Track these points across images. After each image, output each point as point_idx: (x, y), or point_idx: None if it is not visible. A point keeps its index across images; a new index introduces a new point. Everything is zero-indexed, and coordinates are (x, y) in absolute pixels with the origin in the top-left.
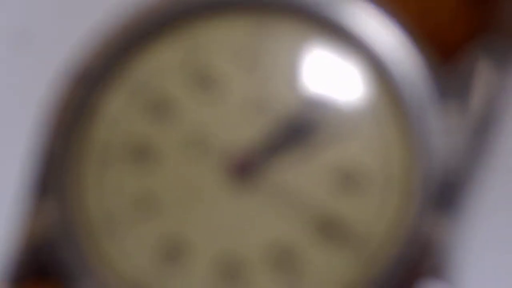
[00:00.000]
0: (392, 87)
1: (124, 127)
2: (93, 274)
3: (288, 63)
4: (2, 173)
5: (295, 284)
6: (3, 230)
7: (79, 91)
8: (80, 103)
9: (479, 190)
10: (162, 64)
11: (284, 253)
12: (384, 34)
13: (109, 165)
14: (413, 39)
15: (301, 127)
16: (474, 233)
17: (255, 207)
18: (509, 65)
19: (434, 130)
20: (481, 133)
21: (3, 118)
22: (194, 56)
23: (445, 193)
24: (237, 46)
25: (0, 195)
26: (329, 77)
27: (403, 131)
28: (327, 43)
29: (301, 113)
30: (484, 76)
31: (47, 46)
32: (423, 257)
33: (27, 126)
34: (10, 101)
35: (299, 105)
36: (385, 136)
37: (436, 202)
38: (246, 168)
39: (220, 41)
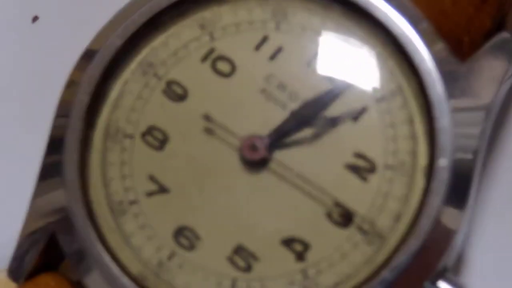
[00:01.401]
0: (416, 79)
1: (132, 109)
2: (97, 263)
3: (307, 49)
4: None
5: (307, 276)
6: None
7: (84, 73)
8: (87, 84)
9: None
10: (176, 47)
11: (296, 242)
12: (409, 27)
13: (115, 147)
14: (436, 36)
15: (316, 112)
16: (481, 228)
17: (268, 192)
18: None
19: (451, 124)
20: (491, 131)
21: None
22: (210, 41)
23: (460, 186)
24: (254, 31)
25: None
26: (352, 64)
27: (424, 124)
28: (350, 29)
29: (318, 99)
30: (498, 75)
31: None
32: (439, 253)
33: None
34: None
35: (316, 91)
36: (406, 127)
37: (452, 194)
38: (259, 151)
39: (237, 26)
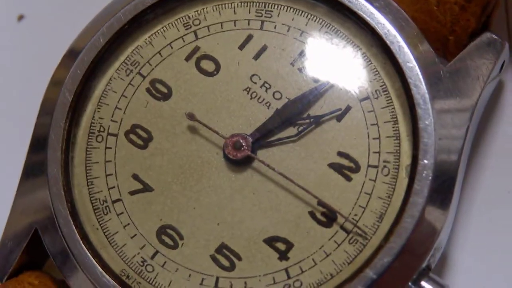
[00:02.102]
0: (400, 79)
1: (115, 107)
2: (80, 262)
3: (292, 48)
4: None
5: (289, 275)
6: None
7: (67, 72)
8: (71, 82)
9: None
10: (161, 46)
11: (279, 241)
12: (394, 28)
13: (98, 146)
14: (421, 37)
15: (300, 111)
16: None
17: (251, 191)
18: (508, 64)
19: (435, 124)
20: (474, 130)
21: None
22: (194, 40)
23: (444, 187)
24: (238, 30)
25: None
26: (336, 64)
27: (408, 123)
28: (335, 29)
29: (303, 98)
30: (482, 75)
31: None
32: (423, 250)
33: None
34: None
35: (301, 90)
36: (390, 126)
37: (436, 195)
38: (243, 149)
39: (222, 25)
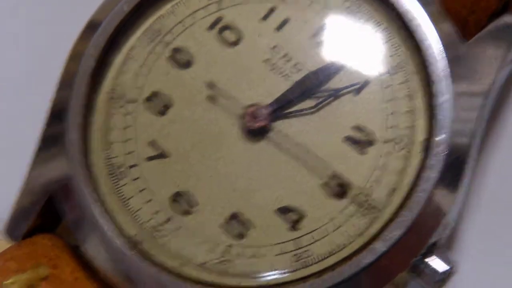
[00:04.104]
0: (419, 55)
1: (137, 74)
2: (94, 225)
3: (313, 21)
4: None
5: (299, 245)
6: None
7: (88, 43)
8: (93, 49)
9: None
10: (184, 15)
11: (291, 211)
12: (417, 5)
13: (118, 111)
14: (443, 15)
15: (319, 84)
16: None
17: (267, 161)
18: None
19: (451, 101)
20: (487, 114)
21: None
22: (217, 10)
23: (454, 169)
24: (262, 2)
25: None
26: (357, 38)
27: (425, 101)
28: (357, 3)
29: (323, 70)
30: (497, 59)
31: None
32: (431, 228)
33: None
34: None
35: (320, 63)
36: (407, 102)
37: (447, 174)
38: (260, 119)
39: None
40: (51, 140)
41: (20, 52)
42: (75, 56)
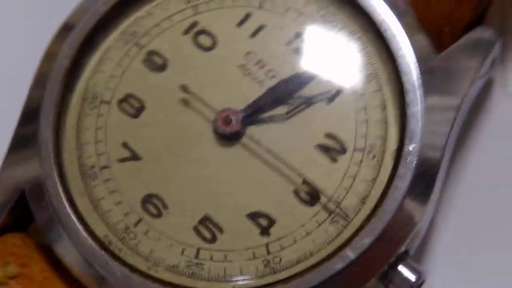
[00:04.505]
0: (392, 65)
1: (111, 76)
2: (65, 226)
3: (288, 29)
4: None
5: (269, 251)
6: None
7: (63, 44)
8: (68, 48)
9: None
10: (161, 18)
11: (262, 217)
12: (391, 15)
13: (91, 112)
14: (417, 26)
15: (292, 91)
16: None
17: (238, 166)
18: (499, 59)
19: (423, 119)
20: (459, 127)
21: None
22: (193, 14)
23: (425, 179)
24: (238, 8)
25: None
26: (330, 47)
27: (396, 110)
28: (332, 12)
29: (296, 78)
30: (470, 73)
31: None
32: (401, 237)
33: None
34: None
35: (293, 71)
36: (379, 111)
37: (419, 181)
38: (233, 124)
39: (221, 1)
40: (24, 140)
41: None
42: (49, 56)
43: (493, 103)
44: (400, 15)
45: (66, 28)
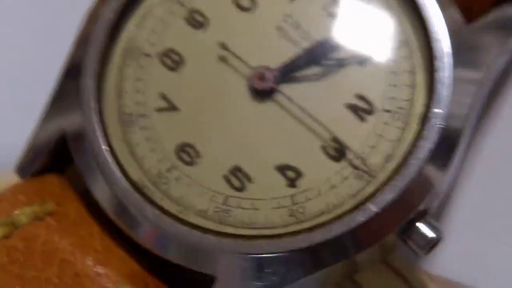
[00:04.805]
0: (424, 34)
1: (153, 31)
2: (102, 168)
3: None
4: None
5: (295, 201)
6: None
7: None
8: (109, 9)
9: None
10: None
11: (290, 169)
12: None
13: (132, 63)
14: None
15: (326, 53)
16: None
17: (270, 121)
18: None
19: (451, 85)
20: (484, 98)
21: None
22: None
23: (447, 144)
24: None
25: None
26: (365, 13)
27: (426, 76)
28: None
29: (330, 40)
30: (494, 49)
31: None
32: (421, 196)
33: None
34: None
35: (328, 33)
36: (408, 76)
37: (440, 147)
38: (267, 81)
39: None
40: (66, 91)
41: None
42: (92, 17)
43: None
44: None
45: None
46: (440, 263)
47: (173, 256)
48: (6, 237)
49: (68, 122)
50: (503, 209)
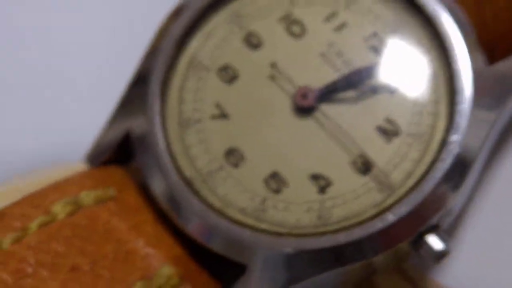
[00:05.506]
0: (450, 69)
1: (214, 48)
2: (160, 166)
3: (367, 28)
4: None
5: (323, 206)
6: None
7: (178, 19)
8: (178, 26)
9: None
10: (263, 4)
11: (321, 178)
12: (454, 25)
13: (193, 75)
14: (476, 40)
15: (363, 79)
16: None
17: (308, 134)
18: None
19: (468, 117)
20: (497, 133)
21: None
22: (290, 5)
23: (461, 168)
24: (327, 6)
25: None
26: (399, 47)
27: (448, 107)
28: (405, 20)
29: (367, 69)
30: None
31: None
32: (434, 211)
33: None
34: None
35: (367, 62)
36: (432, 105)
37: (454, 169)
38: (309, 99)
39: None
40: (134, 97)
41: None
42: (162, 32)
43: None
44: (462, 30)
45: (179, 9)
46: (451, 276)
47: (214, 245)
48: (71, 214)
49: (133, 123)
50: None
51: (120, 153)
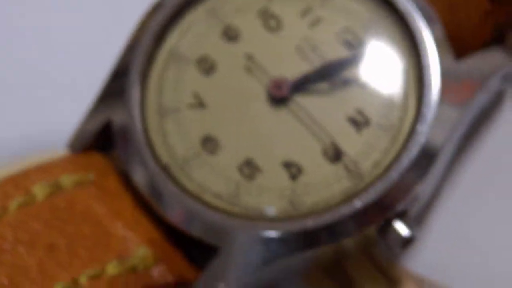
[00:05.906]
0: (419, 65)
1: (193, 41)
2: (138, 153)
3: (341, 24)
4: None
5: (294, 193)
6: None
7: (156, 14)
8: (160, 18)
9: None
10: (240, 0)
11: (293, 166)
12: (423, 22)
13: (173, 66)
14: (445, 36)
15: (335, 72)
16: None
17: (282, 124)
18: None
19: (435, 110)
20: (464, 127)
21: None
22: (267, 1)
23: (426, 159)
24: (303, 2)
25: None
26: (371, 43)
27: (416, 100)
28: (376, 18)
29: (339, 62)
30: (478, 86)
31: None
32: (400, 199)
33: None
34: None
35: (339, 56)
36: (402, 99)
37: (420, 159)
38: (283, 90)
39: None
40: (113, 90)
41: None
42: (141, 26)
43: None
44: (431, 26)
45: (158, 5)
46: (421, 263)
47: (191, 229)
48: (51, 195)
49: (114, 112)
50: (479, 217)
51: (102, 141)
